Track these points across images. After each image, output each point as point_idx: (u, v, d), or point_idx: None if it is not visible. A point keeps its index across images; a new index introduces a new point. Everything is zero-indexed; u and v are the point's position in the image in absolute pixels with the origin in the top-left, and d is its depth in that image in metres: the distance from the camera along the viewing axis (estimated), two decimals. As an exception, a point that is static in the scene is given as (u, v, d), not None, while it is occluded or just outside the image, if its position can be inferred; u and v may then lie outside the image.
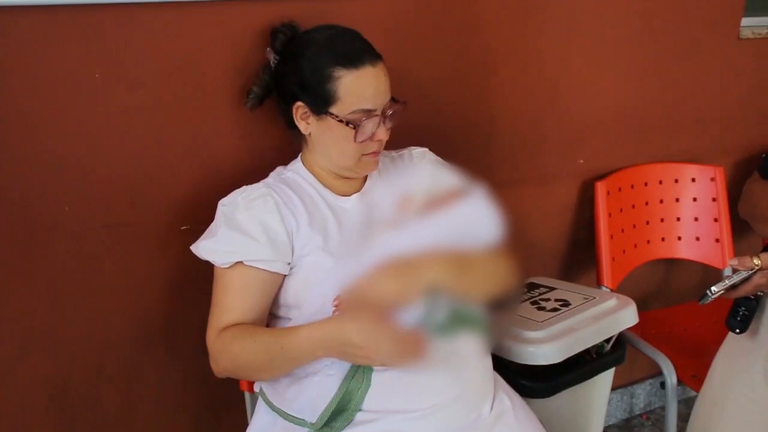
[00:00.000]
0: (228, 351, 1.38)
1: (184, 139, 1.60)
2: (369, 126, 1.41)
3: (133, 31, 1.50)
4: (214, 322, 1.40)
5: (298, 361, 1.34)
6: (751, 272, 1.43)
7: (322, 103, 1.41)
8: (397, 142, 1.58)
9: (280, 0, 1.61)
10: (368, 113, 1.41)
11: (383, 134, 1.44)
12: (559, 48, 2.05)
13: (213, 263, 1.42)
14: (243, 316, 1.40)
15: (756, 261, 1.42)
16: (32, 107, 1.45)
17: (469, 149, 1.97)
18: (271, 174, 1.54)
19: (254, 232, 1.40)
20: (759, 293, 1.48)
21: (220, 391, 1.77)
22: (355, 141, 1.41)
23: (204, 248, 1.43)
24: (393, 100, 1.45)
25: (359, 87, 1.40)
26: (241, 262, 1.39)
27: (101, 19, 1.46)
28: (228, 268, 1.40)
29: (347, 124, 1.40)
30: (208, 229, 1.45)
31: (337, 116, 1.40)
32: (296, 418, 1.39)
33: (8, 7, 1.39)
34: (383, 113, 1.42)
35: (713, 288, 1.43)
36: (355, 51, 1.41)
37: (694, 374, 1.96)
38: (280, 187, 1.47)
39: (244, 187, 1.46)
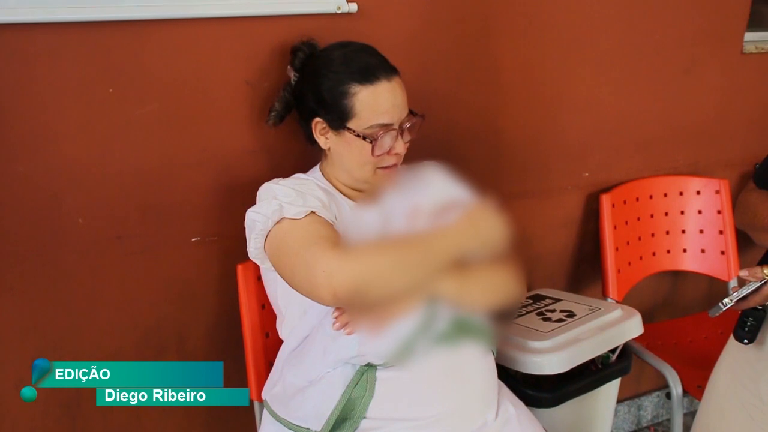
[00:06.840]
0: (359, 252, 1.26)
1: (195, 153, 1.63)
2: (386, 140, 1.43)
3: (146, 47, 1.53)
4: (320, 249, 1.26)
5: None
6: (761, 283, 1.44)
7: (339, 118, 1.43)
8: (408, 155, 1.60)
9: (293, 16, 1.64)
10: (385, 127, 1.42)
11: (401, 148, 1.45)
12: (565, 62, 2.07)
13: (290, 218, 1.35)
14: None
15: (766, 271, 1.43)
16: (47, 121, 1.48)
17: (476, 162, 1.98)
18: (293, 176, 1.52)
19: (315, 195, 1.39)
20: (767, 303, 1.50)
21: (229, 401, 1.79)
22: (372, 155, 1.43)
23: (275, 207, 1.35)
24: (411, 113, 1.47)
25: (375, 102, 1.42)
26: (313, 212, 1.36)
27: (115, 35, 1.49)
28: (302, 218, 1.34)
29: (364, 138, 1.42)
30: (257, 207, 1.40)
31: (354, 131, 1.42)
32: (301, 427, 1.40)
33: (25, 24, 1.42)
34: (400, 127, 1.44)
35: (725, 300, 1.44)
36: (370, 66, 1.43)
37: (699, 385, 1.96)
38: (311, 181, 1.47)
39: (278, 179, 1.45)
